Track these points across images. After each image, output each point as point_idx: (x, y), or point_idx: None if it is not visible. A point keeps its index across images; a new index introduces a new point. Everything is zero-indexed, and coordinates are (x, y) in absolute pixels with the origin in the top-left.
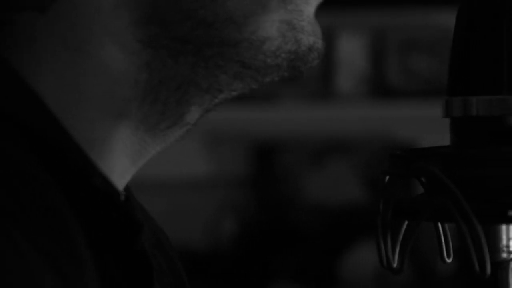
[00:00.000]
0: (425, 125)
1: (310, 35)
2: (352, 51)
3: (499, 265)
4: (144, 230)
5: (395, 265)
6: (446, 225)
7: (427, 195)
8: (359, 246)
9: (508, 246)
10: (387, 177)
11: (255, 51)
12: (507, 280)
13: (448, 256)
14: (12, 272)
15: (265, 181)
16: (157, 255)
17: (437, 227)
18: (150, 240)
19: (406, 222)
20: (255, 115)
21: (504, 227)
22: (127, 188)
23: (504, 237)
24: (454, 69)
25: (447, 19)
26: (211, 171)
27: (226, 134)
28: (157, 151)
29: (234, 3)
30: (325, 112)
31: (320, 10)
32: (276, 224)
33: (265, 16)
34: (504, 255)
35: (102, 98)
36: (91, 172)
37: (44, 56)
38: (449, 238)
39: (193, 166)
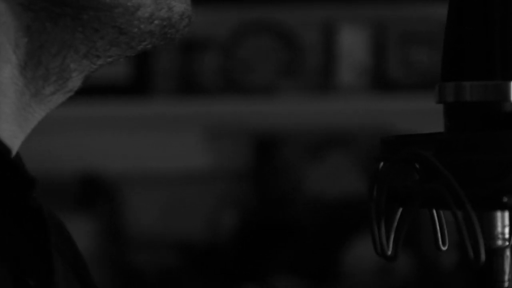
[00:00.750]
0: (426, 117)
1: (182, 2)
2: (353, 44)
3: (494, 252)
4: (37, 190)
5: (389, 252)
6: (442, 213)
7: (421, 181)
8: (359, 240)
9: (503, 233)
10: (381, 163)
11: (129, 16)
12: (503, 268)
13: (444, 244)
14: None
15: (265, 174)
16: (53, 228)
17: (432, 214)
18: (47, 211)
19: (401, 209)
20: (255, 108)
21: (499, 214)
22: (17, 156)
23: (499, 224)
24: (447, 55)
25: None
26: (211, 164)
27: (226, 127)
28: (42, 116)
29: None
30: (325, 105)
31: (321, 3)
32: (276, 217)
33: None
34: (499, 242)
35: None
36: None
37: None
38: (444, 226)
39: (193, 160)
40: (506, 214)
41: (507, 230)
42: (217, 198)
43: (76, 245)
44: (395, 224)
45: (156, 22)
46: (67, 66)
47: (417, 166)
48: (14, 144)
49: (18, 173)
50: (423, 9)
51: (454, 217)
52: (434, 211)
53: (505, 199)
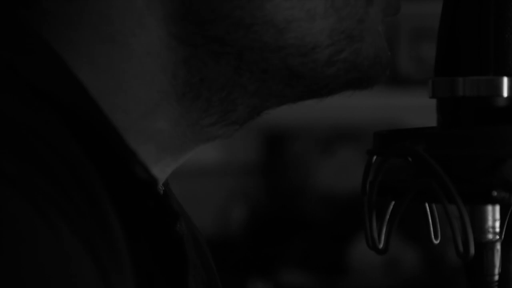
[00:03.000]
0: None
1: (371, 46)
2: None
3: (485, 246)
4: (181, 222)
5: (381, 245)
6: (434, 207)
7: (413, 175)
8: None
9: (494, 227)
10: (374, 157)
11: (303, 58)
12: (493, 261)
13: (436, 238)
14: (46, 253)
15: (275, 168)
16: (192, 250)
17: (424, 207)
18: (187, 235)
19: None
20: None
21: (490, 208)
22: (166, 184)
23: (490, 218)
24: (441, 50)
25: None
26: (221, 158)
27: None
28: (198, 147)
29: (274, 6)
30: (335, 100)
31: None
32: (285, 211)
33: (310, 23)
34: (490, 236)
35: (137, 89)
36: (132, 160)
37: (80, 45)
38: (437, 220)
39: (203, 154)
40: (497, 208)
41: (497, 224)
42: (227, 192)
43: (210, 260)
44: (387, 217)
45: (338, 65)
46: (233, 100)
47: (409, 160)
48: (164, 173)
49: (165, 206)
50: (434, 5)
51: (445, 211)
52: (427, 205)
53: (495, 194)
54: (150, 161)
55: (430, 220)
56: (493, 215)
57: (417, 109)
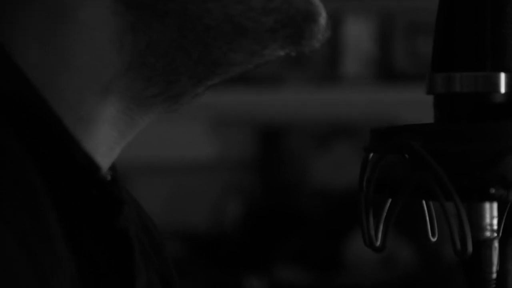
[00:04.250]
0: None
1: (303, 1)
2: (359, 34)
3: (483, 244)
4: (127, 211)
5: (378, 243)
6: (431, 204)
7: (410, 171)
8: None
9: (491, 225)
10: (370, 154)
11: (242, 5)
12: (491, 259)
13: (433, 235)
14: None
15: (271, 164)
16: (143, 240)
17: (422, 204)
18: (136, 224)
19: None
20: (261, 97)
21: (487, 205)
22: (113, 169)
23: (487, 215)
24: (438, 46)
25: None
26: (217, 153)
27: (232, 116)
28: (145, 123)
29: None
30: (331, 95)
31: None
32: (281, 207)
33: None
34: (488, 233)
35: (89, 64)
36: (72, 146)
37: (28, 24)
38: (434, 217)
39: (199, 149)
40: (495, 205)
41: (495, 221)
42: (223, 187)
43: (164, 247)
44: (384, 214)
45: (274, 15)
46: (176, 68)
47: (406, 156)
48: (114, 152)
49: (109, 194)
50: (430, 0)
51: (442, 208)
52: (424, 202)
53: (492, 191)
54: (101, 141)
55: (427, 217)
56: (491, 212)
57: (413, 104)
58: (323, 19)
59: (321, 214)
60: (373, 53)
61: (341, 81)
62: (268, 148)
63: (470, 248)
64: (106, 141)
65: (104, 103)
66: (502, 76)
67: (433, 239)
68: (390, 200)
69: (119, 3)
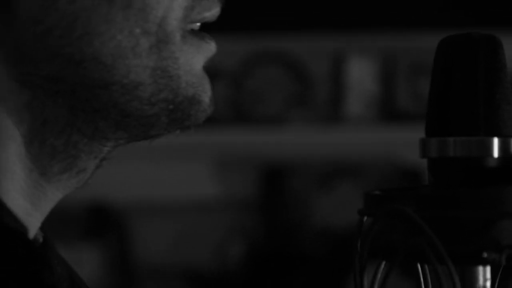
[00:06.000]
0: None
1: (190, 86)
2: (362, 75)
3: None
4: (59, 271)
5: None
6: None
7: (404, 236)
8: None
9: (485, 287)
10: (365, 217)
11: (128, 96)
12: None
13: None
14: None
15: (274, 204)
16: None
17: (416, 267)
18: (68, 285)
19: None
20: (264, 138)
21: (480, 267)
22: (45, 232)
23: (480, 277)
24: (432, 110)
25: None
26: (220, 194)
27: (235, 157)
28: (58, 198)
29: (101, 42)
30: (334, 136)
31: (330, 33)
32: (284, 247)
33: (135, 60)
34: None
35: None
36: (2, 210)
37: None
38: (429, 278)
39: (202, 189)
40: (488, 268)
41: (488, 283)
42: (226, 227)
43: None
44: (378, 276)
45: (160, 105)
46: (74, 145)
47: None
48: (30, 223)
49: (34, 253)
50: (432, 40)
51: (436, 272)
52: (419, 265)
53: (485, 255)
54: (16, 209)
55: (422, 280)
56: (484, 275)
57: (416, 144)
58: (207, 97)
59: (324, 255)
60: (376, 93)
61: (344, 121)
62: (271, 189)
63: None
64: (20, 212)
65: (8, 174)
66: (495, 140)
67: None
68: (384, 263)
69: (13, 82)
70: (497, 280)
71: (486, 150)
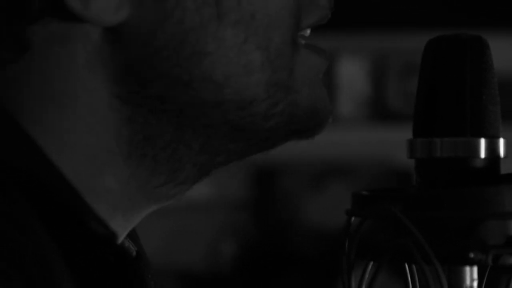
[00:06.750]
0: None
1: (308, 97)
2: (353, 75)
3: None
4: (149, 285)
5: None
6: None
7: (391, 235)
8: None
9: (472, 287)
10: (352, 218)
11: (241, 112)
12: None
13: None
14: None
15: (265, 204)
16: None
17: (404, 267)
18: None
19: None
20: None
21: (467, 267)
22: (139, 246)
23: (467, 278)
24: (419, 111)
25: None
26: (212, 194)
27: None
28: (152, 209)
29: (211, 62)
30: (325, 136)
31: (321, 33)
32: (275, 246)
33: (248, 77)
34: None
35: (84, 149)
36: (87, 216)
37: (28, 106)
38: (416, 279)
39: (194, 189)
40: (475, 268)
41: (475, 284)
42: (217, 227)
43: None
44: (366, 276)
45: (276, 118)
46: (179, 159)
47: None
48: (118, 233)
49: (123, 259)
50: (423, 41)
51: (422, 272)
52: (406, 265)
53: (472, 255)
54: (105, 219)
55: (410, 280)
56: (471, 275)
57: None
58: (326, 108)
59: (316, 254)
60: (367, 93)
61: (336, 121)
62: (262, 188)
63: None
64: (112, 223)
65: (103, 187)
66: (482, 141)
67: None
68: (371, 263)
69: (115, 98)
70: (484, 281)
71: (473, 150)
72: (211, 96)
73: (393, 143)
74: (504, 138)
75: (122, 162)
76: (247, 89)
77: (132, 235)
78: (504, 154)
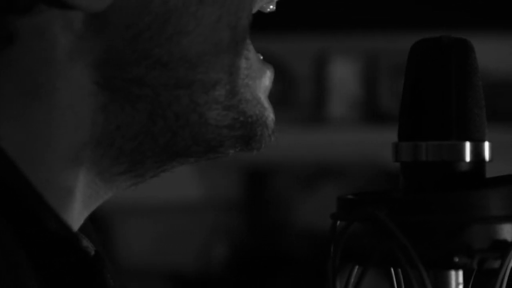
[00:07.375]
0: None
1: (255, 106)
2: (344, 76)
3: None
4: (108, 284)
5: None
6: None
7: (376, 239)
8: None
9: None
10: (337, 221)
11: (207, 96)
12: None
13: None
14: None
15: (257, 205)
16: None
17: (389, 272)
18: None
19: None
20: None
21: (453, 272)
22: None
23: (453, 282)
24: (404, 115)
25: None
26: (203, 195)
27: (218, 158)
28: (108, 196)
29: (189, 41)
30: (317, 137)
31: (313, 35)
32: (267, 248)
33: (215, 57)
34: None
35: (60, 142)
36: (45, 215)
37: (1, 102)
38: (402, 283)
39: (185, 190)
40: (460, 272)
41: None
42: (209, 228)
43: None
44: (352, 281)
45: (233, 113)
46: (142, 152)
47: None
48: (79, 222)
49: (84, 259)
50: (413, 41)
51: (408, 276)
52: (392, 269)
53: (456, 259)
54: (71, 213)
55: (395, 284)
56: (456, 280)
57: None
58: (272, 121)
59: (307, 255)
60: (358, 94)
61: (327, 122)
62: (254, 189)
63: None
64: (73, 212)
65: (74, 177)
66: (467, 145)
67: None
68: (357, 267)
69: (93, 84)
70: (470, 285)
71: (458, 154)
72: (184, 75)
73: (385, 145)
74: (493, 140)
75: (89, 151)
76: (213, 69)
77: (88, 232)
78: (489, 158)
